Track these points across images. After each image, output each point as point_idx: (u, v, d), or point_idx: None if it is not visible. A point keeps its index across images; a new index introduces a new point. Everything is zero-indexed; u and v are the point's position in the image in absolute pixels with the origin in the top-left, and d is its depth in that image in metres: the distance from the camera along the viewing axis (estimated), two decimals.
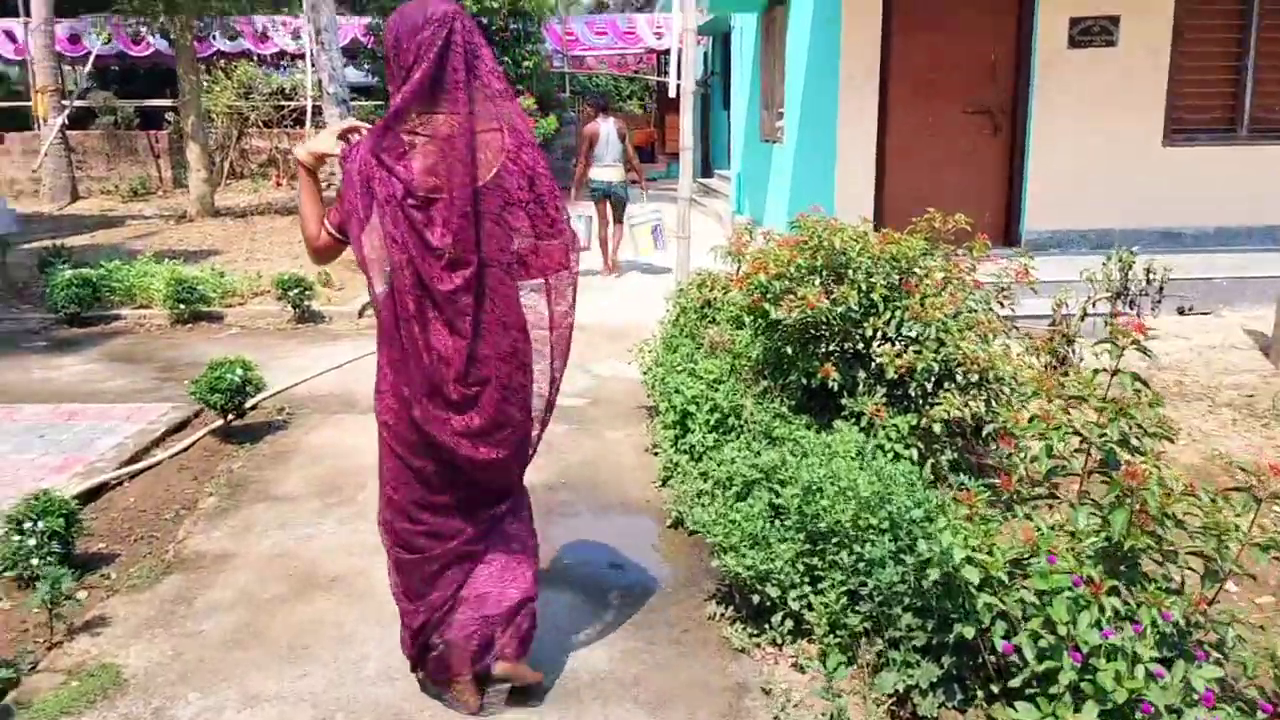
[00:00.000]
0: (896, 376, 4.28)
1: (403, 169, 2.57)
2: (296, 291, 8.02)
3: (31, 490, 3.94)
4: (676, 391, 4.88)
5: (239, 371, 5.31)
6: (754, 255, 4.81)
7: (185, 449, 5.24)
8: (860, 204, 8.78)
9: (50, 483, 4.68)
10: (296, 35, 19.57)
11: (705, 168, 21.52)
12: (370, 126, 2.72)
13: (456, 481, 2.79)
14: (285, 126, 19.74)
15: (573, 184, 10.67)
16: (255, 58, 20.84)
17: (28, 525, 3.72)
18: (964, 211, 4.76)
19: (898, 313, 4.29)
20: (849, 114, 8.89)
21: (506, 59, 16.61)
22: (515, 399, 2.77)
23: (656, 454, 5.10)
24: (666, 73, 26.26)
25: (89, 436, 5.36)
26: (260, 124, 19.70)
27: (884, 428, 4.23)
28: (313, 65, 15.23)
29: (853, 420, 4.40)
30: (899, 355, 4.25)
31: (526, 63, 17.03)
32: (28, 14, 17.99)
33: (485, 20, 16.51)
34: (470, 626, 2.86)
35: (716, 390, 4.83)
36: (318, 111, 15.93)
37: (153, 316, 8.27)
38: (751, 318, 4.70)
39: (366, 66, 17.56)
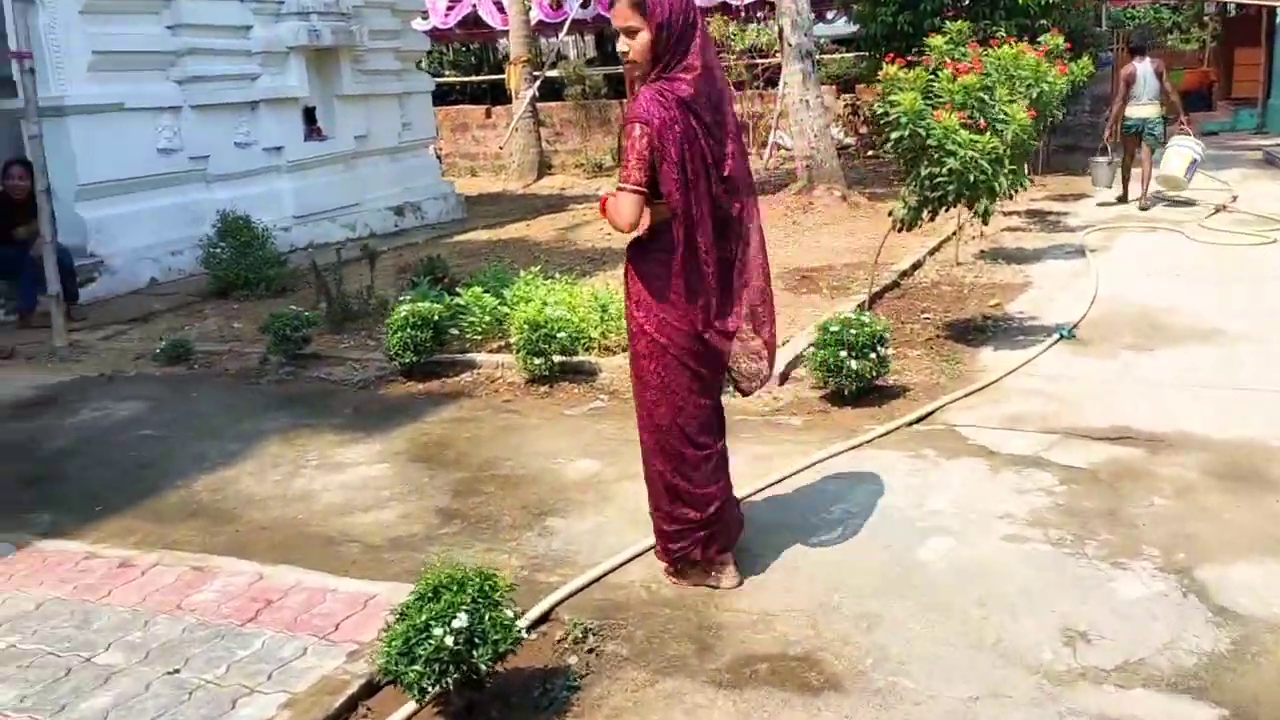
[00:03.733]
0: None
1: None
2: None
3: None
4: None
5: (461, 618, 2.62)
6: None
7: None
8: None
9: None
10: None
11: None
12: None
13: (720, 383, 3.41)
14: (756, 88, 17.24)
15: (1108, 124, 11.20)
16: (737, 11, 18.59)
17: None
18: None
19: None
20: None
21: None
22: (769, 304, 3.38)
23: None
24: None
25: (245, 679, 3.02)
26: (731, 85, 17.37)
27: None
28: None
29: None
30: None
31: None
32: None
33: None
34: (734, 509, 3.52)
35: None
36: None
37: (508, 366, 6.04)
38: None
39: (855, 8, 14.30)
